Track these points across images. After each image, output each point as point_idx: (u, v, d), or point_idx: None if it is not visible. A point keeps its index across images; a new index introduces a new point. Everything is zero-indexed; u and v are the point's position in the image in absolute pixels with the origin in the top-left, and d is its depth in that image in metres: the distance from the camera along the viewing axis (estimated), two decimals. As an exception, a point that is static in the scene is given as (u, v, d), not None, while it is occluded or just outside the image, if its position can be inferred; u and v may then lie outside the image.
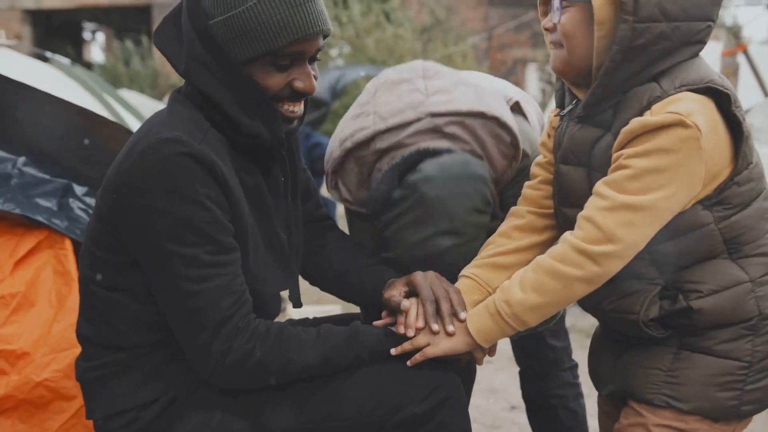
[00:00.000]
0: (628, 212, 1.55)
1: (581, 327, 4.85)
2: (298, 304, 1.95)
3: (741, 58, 6.31)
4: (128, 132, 2.25)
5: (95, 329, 1.74)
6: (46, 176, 2.28)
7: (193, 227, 1.57)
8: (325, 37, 1.70)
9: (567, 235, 1.63)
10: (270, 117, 1.68)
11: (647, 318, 1.68)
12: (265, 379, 1.66)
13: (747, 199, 1.65)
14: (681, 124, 1.52)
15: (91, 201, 2.29)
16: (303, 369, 1.66)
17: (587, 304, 1.77)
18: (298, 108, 1.73)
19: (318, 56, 1.73)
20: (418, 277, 1.81)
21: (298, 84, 1.68)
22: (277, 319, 1.79)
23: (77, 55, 21.04)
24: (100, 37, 24.47)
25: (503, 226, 1.91)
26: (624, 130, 1.58)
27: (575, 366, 2.55)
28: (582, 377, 2.47)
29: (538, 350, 2.48)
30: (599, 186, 1.60)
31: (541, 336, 2.45)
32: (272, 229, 1.78)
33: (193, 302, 1.59)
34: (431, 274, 1.83)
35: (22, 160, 2.25)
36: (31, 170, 2.26)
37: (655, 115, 1.55)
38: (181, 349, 1.69)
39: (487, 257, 1.87)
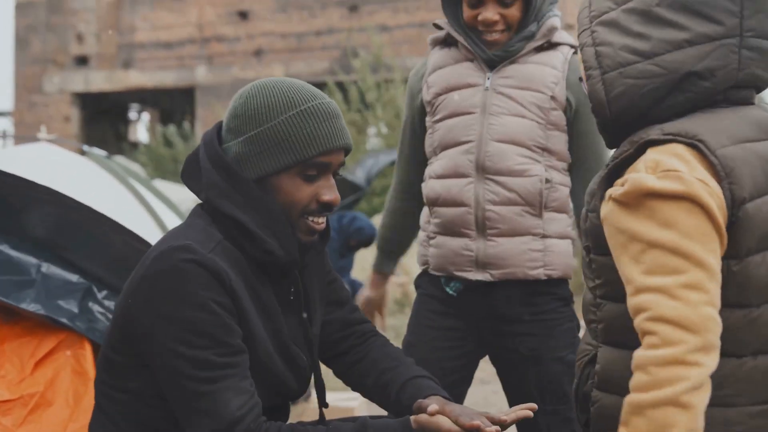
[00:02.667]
0: (686, 291, 1.33)
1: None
2: (323, 404, 1.99)
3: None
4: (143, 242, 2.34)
5: None
6: (69, 279, 2.37)
7: (201, 331, 1.64)
8: (346, 153, 1.81)
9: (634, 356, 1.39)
10: (284, 235, 1.76)
11: (577, 386, 1.59)
12: None
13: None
14: (682, 184, 1.37)
15: (110, 304, 2.37)
16: None
17: None
18: (323, 221, 1.82)
19: (339, 172, 1.83)
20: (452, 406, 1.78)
21: (325, 197, 1.77)
22: (301, 407, 1.81)
23: (124, 136, 21.67)
24: (146, 117, 25.17)
25: None
26: (624, 189, 1.43)
27: None
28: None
29: None
30: (637, 285, 1.39)
31: None
32: (284, 342, 1.82)
33: (203, 404, 1.64)
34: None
35: (45, 266, 2.35)
36: (53, 272, 2.35)
37: (650, 174, 1.40)
38: None
39: None
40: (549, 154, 2.31)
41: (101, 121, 20.82)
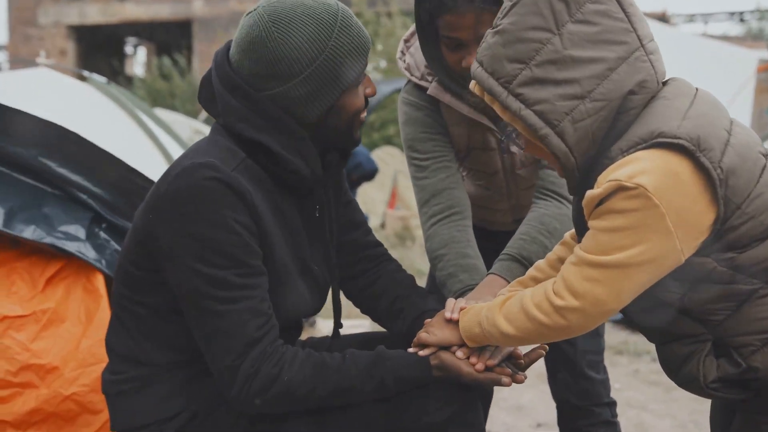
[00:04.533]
0: (589, 268, 1.52)
1: (610, 344, 4.84)
2: (338, 325, 2.03)
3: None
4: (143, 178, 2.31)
5: (122, 343, 1.81)
6: (76, 205, 2.35)
7: (221, 250, 1.63)
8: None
9: (549, 281, 1.62)
10: (308, 153, 1.74)
11: (708, 380, 1.61)
12: (290, 405, 1.70)
13: (758, 235, 1.52)
14: (621, 188, 1.46)
15: (115, 233, 2.37)
16: (328, 395, 1.70)
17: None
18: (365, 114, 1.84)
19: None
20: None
21: (369, 90, 1.80)
22: (306, 333, 1.82)
23: (120, 69, 21.44)
24: (142, 51, 24.88)
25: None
26: (582, 203, 1.56)
27: (614, 403, 2.45)
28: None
29: (575, 382, 2.41)
30: (575, 247, 1.60)
31: (578, 367, 2.40)
32: (305, 260, 1.82)
33: (221, 323, 1.64)
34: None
35: (51, 191, 2.33)
36: (60, 199, 2.34)
37: (598, 187, 1.50)
38: (202, 370, 1.74)
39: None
40: None
41: (97, 55, 20.58)
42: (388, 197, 11.02)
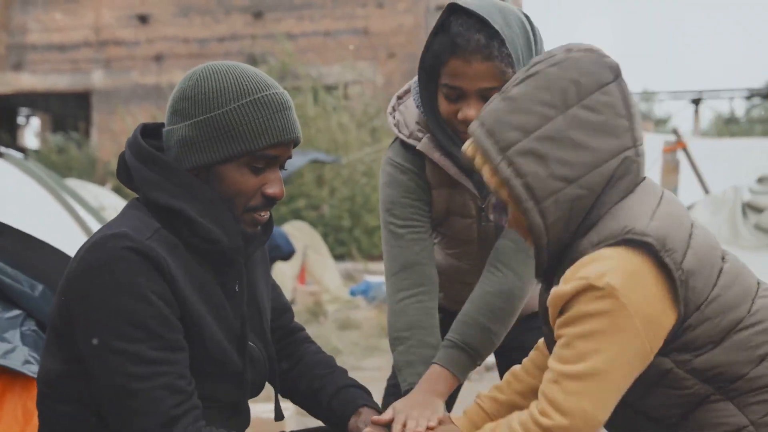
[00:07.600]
0: (569, 382, 1.50)
1: None
2: (279, 416, 1.92)
3: (681, 155, 6.54)
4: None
5: None
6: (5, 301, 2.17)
7: (136, 322, 1.54)
8: (295, 145, 1.74)
9: (533, 404, 1.56)
10: (227, 222, 1.67)
11: None
12: None
13: (713, 338, 1.54)
14: (591, 288, 1.48)
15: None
16: None
17: None
18: (266, 215, 1.74)
19: (285, 166, 1.75)
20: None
21: (270, 190, 1.69)
22: None
23: (11, 141, 20.71)
24: (35, 121, 24.19)
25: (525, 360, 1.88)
26: (548, 301, 1.55)
27: None
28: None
29: None
30: (549, 360, 1.56)
31: None
32: (234, 332, 1.73)
33: (136, 402, 1.54)
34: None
35: None
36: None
37: (566, 283, 1.51)
38: None
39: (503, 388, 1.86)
40: None
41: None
42: (298, 272, 10.89)
